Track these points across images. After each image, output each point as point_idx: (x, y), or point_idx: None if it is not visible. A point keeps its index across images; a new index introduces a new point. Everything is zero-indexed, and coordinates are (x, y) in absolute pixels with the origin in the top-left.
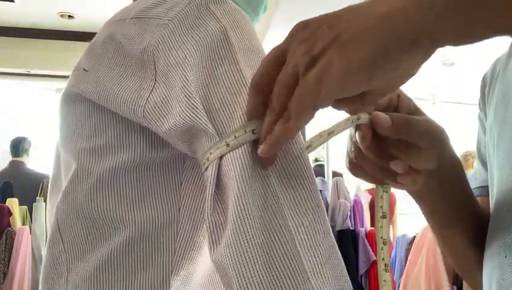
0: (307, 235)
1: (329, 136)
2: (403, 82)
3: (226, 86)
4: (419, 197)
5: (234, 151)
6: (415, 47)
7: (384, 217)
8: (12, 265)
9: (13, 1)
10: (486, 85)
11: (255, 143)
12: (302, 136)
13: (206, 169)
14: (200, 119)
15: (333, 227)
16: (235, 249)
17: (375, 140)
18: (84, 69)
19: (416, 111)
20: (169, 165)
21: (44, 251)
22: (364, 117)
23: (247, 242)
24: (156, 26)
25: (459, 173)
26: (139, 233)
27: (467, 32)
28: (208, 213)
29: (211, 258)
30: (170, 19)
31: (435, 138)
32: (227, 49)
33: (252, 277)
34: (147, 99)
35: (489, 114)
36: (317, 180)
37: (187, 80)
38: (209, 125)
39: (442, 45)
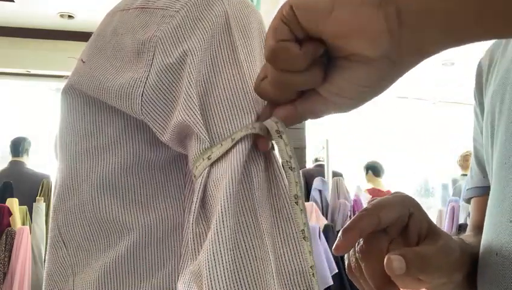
0: (284, 260)
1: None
2: (366, 70)
3: (225, 88)
4: None
5: (224, 163)
6: (378, 7)
7: None
8: (12, 265)
9: (13, 1)
10: (483, 73)
11: (248, 156)
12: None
13: (195, 177)
14: (194, 120)
15: (333, 227)
16: (209, 259)
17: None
18: (82, 60)
19: (430, 233)
20: (171, 165)
21: (43, 253)
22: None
23: (221, 254)
24: (161, 17)
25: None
26: (146, 237)
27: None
28: (191, 224)
29: (190, 269)
30: (177, 10)
31: (448, 269)
32: (229, 45)
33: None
34: (142, 95)
35: (486, 102)
36: (317, 180)
37: (189, 79)
38: (201, 128)
39: (406, 20)
